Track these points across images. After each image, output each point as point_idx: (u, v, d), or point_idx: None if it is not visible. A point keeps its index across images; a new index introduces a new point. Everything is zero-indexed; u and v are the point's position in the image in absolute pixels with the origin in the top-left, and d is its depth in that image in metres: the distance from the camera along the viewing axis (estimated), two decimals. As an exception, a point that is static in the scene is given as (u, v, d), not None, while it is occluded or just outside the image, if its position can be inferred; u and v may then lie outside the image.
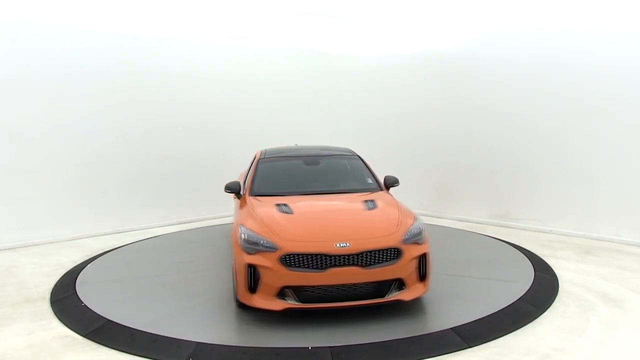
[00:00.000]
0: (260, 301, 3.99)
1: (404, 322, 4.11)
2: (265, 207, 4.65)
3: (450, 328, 3.89)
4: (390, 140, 9.21)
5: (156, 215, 7.99)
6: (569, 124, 7.07)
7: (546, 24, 7.14)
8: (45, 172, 7.04)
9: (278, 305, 3.95)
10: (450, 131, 8.48)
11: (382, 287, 4.01)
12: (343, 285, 3.94)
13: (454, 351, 3.57)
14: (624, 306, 4.41)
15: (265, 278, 3.93)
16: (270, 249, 3.97)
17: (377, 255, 3.97)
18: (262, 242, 4.04)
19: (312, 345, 3.64)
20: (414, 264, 4.08)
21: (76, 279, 5.32)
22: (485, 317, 4.10)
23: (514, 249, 6.36)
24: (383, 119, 9.35)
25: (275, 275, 3.90)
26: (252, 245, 4.05)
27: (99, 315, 4.29)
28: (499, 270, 5.48)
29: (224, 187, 5.38)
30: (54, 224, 7.11)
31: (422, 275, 4.18)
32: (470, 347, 3.62)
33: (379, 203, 4.70)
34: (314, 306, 3.99)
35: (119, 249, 6.65)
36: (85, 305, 4.53)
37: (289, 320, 4.14)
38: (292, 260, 3.91)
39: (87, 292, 4.87)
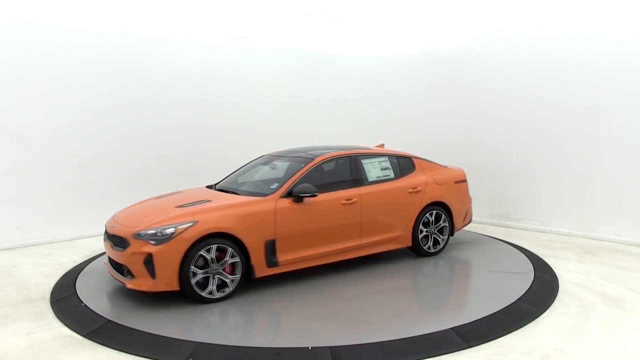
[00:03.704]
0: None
1: (404, 322, 4.12)
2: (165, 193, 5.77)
3: (450, 328, 3.89)
4: (389, 140, 9.17)
5: (156, 215, 7.98)
6: (569, 124, 7.07)
7: (546, 24, 7.15)
8: (45, 172, 7.04)
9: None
10: (450, 131, 8.48)
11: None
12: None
13: (454, 351, 3.57)
14: (624, 306, 4.41)
15: None
16: None
17: (119, 240, 4.67)
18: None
19: (312, 345, 3.64)
20: (140, 259, 4.41)
21: (76, 279, 5.32)
22: (485, 317, 4.10)
23: (514, 248, 6.36)
24: (383, 119, 9.35)
25: None
26: None
27: (99, 315, 4.29)
28: (498, 270, 5.48)
29: None
30: (54, 224, 7.12)
31: (152, 273, 4.40)
32: (470, 347, 3.62)
33: (206, 204, 4.87)
34: (109, 269, 5.04)
35: (119, 249, 6.64)
36: (85, 305, 4.53)
37: (289, 320, 4.15)
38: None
39: (87, 292, 4.88)
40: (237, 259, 4.63)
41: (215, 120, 8.61)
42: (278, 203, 4.92)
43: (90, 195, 7.43)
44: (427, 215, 5.97)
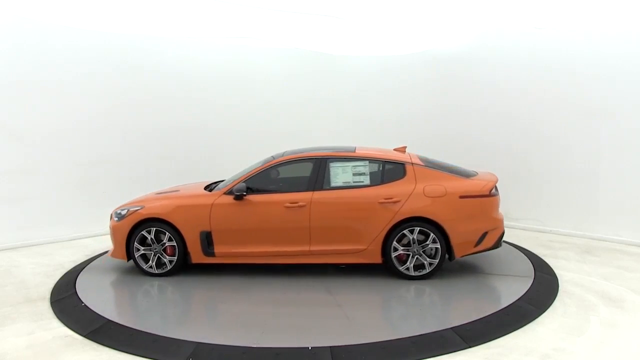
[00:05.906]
0: None
1: (403, 322, 4.12)
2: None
3: (450, 328, 3.89)
4: (390, 140, 9.16)
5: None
6: (569, 124, 7.07)
7: (546, 24, 7.15)
8: (45, 172, 7.04)
9: None
10: (451, 131, 8.48)
11: None
12: None
13: (454, 351, 3.57)
14: (624, 306, 4.41)
15: None
16: None
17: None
18: None
19: (312, 345, 3.64)
20: (111, 231, 5.56)
21: (76, 279, 5.33)
22: (485, 317, 4.10)
23: (514, 248, 6.36)
24: (383, 119, 9.35)
25: None
26: None
27: (99, 315, 4.29)
28: (499, 270, 5.48)
29: None
30: (54, 224, 7.12)
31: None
32: (470, 347, 3.63)
33: (169, 194, 5.71)
34: None
35: (119, 249, 6.64)
36: (85, 305, 4.53)
37: (289, 320, 4.16)
38: None
39: (87, 292, 4.88)
40: (173, 243, 5.30)
41: (215, 120, 8.61)
42: (219, 199, 5.33)
43: (90, 195, 7.43)
44: (406, 231, 5.05)
